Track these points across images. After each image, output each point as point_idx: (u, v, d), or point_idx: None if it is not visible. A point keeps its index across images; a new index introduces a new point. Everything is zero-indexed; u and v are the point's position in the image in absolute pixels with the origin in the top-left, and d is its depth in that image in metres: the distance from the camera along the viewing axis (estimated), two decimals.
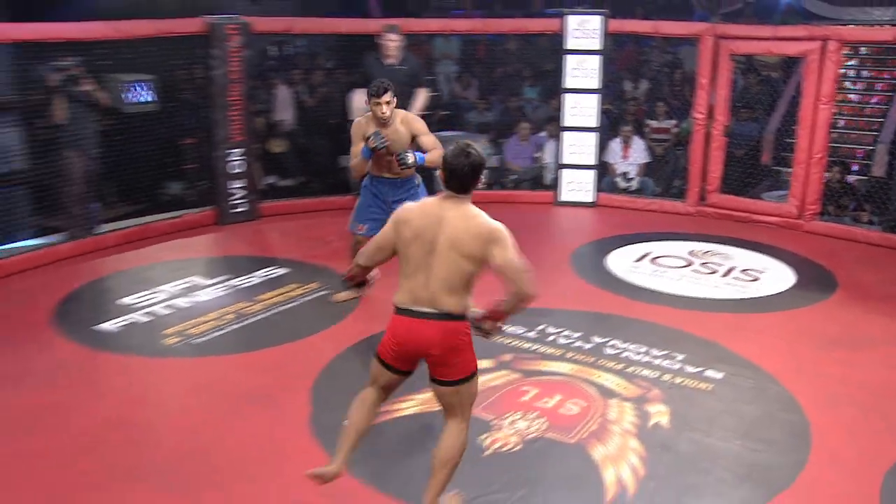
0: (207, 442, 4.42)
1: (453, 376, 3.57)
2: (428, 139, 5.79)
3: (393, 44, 7.81)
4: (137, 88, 7.83)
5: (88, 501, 3.93)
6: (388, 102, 5.62)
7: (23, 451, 4.33)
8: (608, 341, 5.68)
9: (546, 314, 6.08)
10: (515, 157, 9.82)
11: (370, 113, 5.73)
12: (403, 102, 7.48)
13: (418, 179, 5.99)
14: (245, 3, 9.88)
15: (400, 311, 3.56)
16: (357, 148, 5.77)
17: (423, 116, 7.44)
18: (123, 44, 7.56)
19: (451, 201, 3.51)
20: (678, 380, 5.17)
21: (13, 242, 7.25)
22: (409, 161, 5.63)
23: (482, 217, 3.48)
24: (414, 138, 5.81)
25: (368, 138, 5.63)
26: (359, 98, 8.13)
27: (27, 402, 4.82)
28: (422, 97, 7.80)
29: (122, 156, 7.77)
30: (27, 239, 7.40)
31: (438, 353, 3.50)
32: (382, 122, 5.67)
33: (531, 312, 6.07)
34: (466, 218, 3.46)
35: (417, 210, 3.57)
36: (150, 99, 7.90)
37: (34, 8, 8.44)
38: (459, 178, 3.48)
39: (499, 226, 3.46)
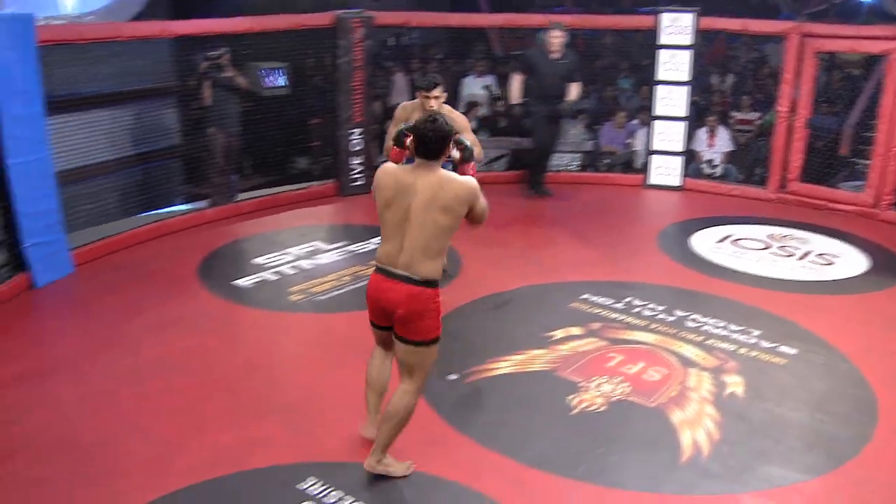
0: (324, 389, 4.55)
1: (412, 336, 3.48)
2: (469, 136, 5.63)
3: (557, 39, 7.85)
4: (273, 74, 7.99)
5: (226, 429, 4.12)
6: (436, 97, 5.51)
7: (174, 385, 4.56)
8: (690, 315, 5.58)
9: (633, 287, 6.02)
10: (609, 142, 9.65)
11: (417, 101, 5.68)
12: (562, 93, 7.93)
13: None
14: (368, 0, 9.94)
15: (377, 269, 3.52)
16: (397, 130, 5.74)
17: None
18: (263, 36, 7.73)
19: (422, 168, 3.43)
20: (754, 353, 5.05)
21: (169, 207, 7.53)
22: (468, 143, 5.50)
23: (457, 179, 3.41)
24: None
25: None
26: (517, 83, 8.17)
27: (178, 345, 5.04)
28: (575, 89, 7.95)
29: (258, 133, 7.96)
30: (179, 204, 7.69)
31: (403, 312, 3.44)
32: None
33: (619, 286, 6.07)
34: (442, 182, 3.38)
35: (391, 178, 3.46)
36: (283, 84, 8.06)
37: (193, 6, 8.72)
38: (425, 143, 3.41)
39: (474, 182, 3.43)
